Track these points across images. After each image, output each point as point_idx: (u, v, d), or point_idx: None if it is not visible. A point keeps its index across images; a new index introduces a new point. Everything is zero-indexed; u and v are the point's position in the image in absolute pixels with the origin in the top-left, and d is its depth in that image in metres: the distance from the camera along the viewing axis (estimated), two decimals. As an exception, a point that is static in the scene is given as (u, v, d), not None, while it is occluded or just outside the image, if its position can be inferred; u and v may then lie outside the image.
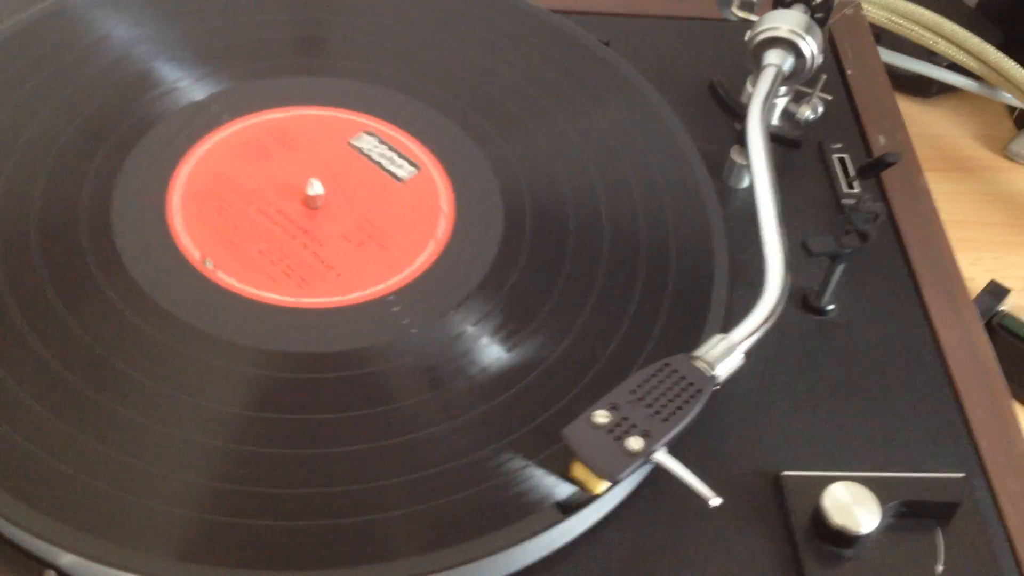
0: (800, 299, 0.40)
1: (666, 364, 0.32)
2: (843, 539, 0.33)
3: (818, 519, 0.33)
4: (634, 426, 0.31)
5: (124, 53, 0.39)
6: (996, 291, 0.52)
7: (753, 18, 0.44)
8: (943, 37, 0.57)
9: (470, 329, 0.35)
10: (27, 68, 0.39)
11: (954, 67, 0.59)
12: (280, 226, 0.37)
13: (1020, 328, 0.50)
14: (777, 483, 0.35)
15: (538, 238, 0.38)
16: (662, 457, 0.31)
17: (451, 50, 0.43)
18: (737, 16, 0.45)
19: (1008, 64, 0.56)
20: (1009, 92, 0.57)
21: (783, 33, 0.42)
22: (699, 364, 0.32)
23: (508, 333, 0.35)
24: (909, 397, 0.38)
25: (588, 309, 0.36)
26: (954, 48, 0.57)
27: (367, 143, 0.40)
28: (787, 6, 0.43)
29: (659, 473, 0.34)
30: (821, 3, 0.44)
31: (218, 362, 0.33)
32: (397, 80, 0.41)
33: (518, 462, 0.32)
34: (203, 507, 0.30)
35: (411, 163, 0.39)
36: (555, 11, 0.47)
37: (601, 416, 0.31)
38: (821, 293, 0.39)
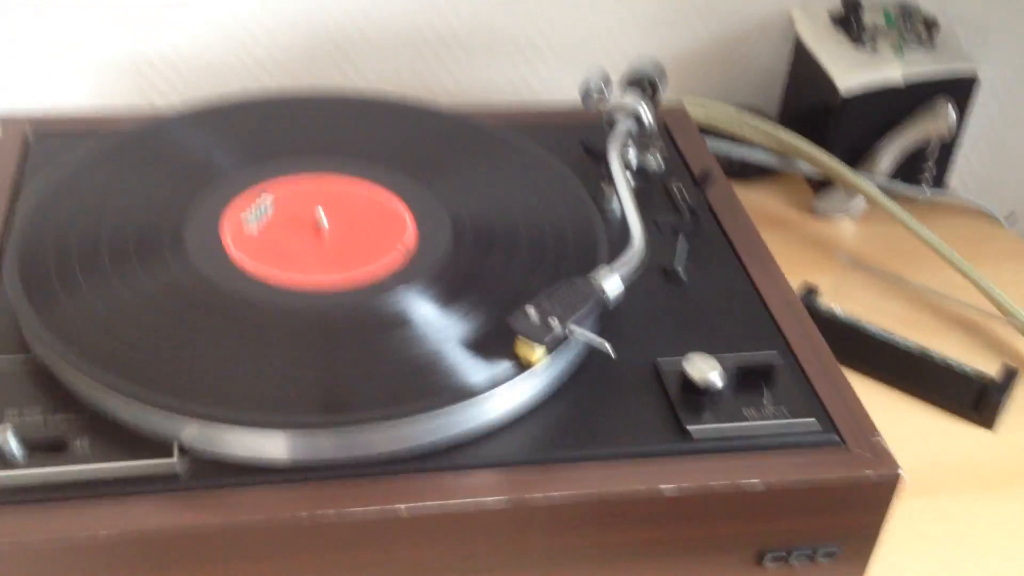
0: (662, 271, 0.56)
1: (570, 281, 0.48)
2: (700, 390, 0.48)
3: (684, 381, 0.48)
4: (551, 314, 0.46)
5: (195, 151, 0.57)
6: (808, 288, 0.69)
7: (608, 104, 0.62)
8: (746, 124, 0.77)
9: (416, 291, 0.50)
10: (141, 158, 0.57)
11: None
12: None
13: (829, 310, 0.67)
14: (655, 368, 0.50)
15: (476, 239, 0.54)
16: (574, 328, 0.46)
17: (417, 144, 0.61)
18: (597, 108, 0.63)
19: (797, 139, 0.75)
20: (802, 160, 0.77)
21: (628, 104, 0.60)
22: (591, 280, 0.48)
23: (457, 294, 0.50)
24: (740, 321, 0.54)
25: (512, 277, 0.52)
26: (756, 132, 0.77)
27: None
28: (628, 86, 0.62)
29: (578, 373, 0.49)
30: (652, 88, 0.62)
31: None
32: (382, 158, 0.59)
33: (475, 353, 0.47)
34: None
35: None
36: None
37: (530, 309, 0.46)
38: (675, 264, 0.56)
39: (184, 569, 0.42)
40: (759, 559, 0.48)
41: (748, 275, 0.57)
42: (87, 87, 0.76)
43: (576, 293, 0.48)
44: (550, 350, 0.46)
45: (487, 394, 0.45)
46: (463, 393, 0.45)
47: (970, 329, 0.69)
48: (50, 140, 0.62)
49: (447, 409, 0.45)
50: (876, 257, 0.75)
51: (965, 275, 0.70)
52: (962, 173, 0.85)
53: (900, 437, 0.49)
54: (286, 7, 0.76)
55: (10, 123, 0.62)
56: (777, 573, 0.49)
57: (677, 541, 0.47)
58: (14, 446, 0.42)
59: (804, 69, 0.82)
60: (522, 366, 0.46)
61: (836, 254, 0.74)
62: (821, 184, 0.80)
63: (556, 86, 0.83)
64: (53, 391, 0.45)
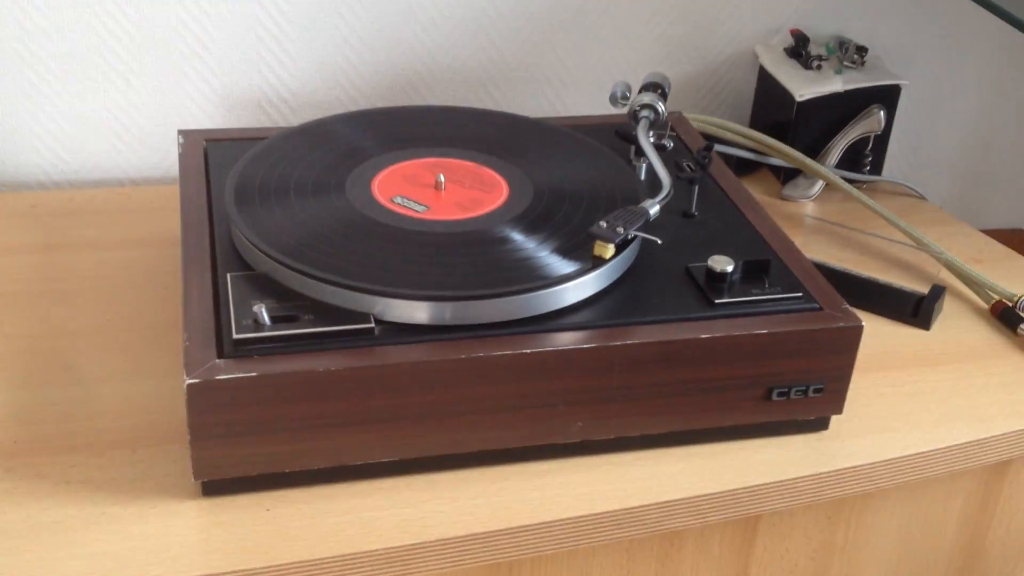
0: (681, 213, 0.75)
1: (627, 208, 0.66)
2: (720, 277, 0.66)
3: (709, 271, 0.67)
4: (618, 225, 0.64)
5: (348, 139, 0.76)
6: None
7: (629, 102, 0.81)
8: (728, 130, 0.97)
9: (516, 224, 0.69)
10: (303, 144, 0.75)
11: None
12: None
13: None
14: (687, 270, 0.68)
15: (551, 195, 0.72)
16: (634, 232, 0.64)
17: (504, 138, 0.79)
18: (621, 104, 0.82)
19: (770, 139, 0.95)
20: (774, 154, 0.96)
21: (647, 101, 0.80)
22: (641, 207, 0.67)
23: (540, 225, 0.69)
24: (739, 241, 0.72)
25: (578, 218, 0.70)
26: (738, 136, 0.96)
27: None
28: (645, 90, 0.81)
29: (627, 276, 0.67)
30: (662, 92, 0.82)
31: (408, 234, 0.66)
32: (480, 147, 0.77)
33: (563, 256, 0.65)
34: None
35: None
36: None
37: (603, 222, 0.64)
38: (690, 207, 0.75)
39: (382, 397, 0.59)
40: (768, 395, 0.66)
41: (741, 212, 0.76)
42: (220, 116, 0.95)
43: (631, 213, 0.66)
44: (618, 249, 0.64)
45: (571, 283, 0.63)
46: (551, 281, 0.63)
47: (904, 265, 0.88)
48: (218, 145, 0.80)
49: (542, 291, 0.62)
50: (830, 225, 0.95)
51: (901, 229, 0.89)
52: (891, 161, 1.05)
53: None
54: (374, 55, 0.95)
55: (189, 135, 0.81)
56: (781, 405, 0.67)
57: (711, 379, 0.65)
58: (265, 316, 0.60)
59: (767, 89, 1.02)
60: (597, 262, 0.64)
61: (804, 218, 0.93)
62: (787, 176, 1.00)
63: (576, 109, 1.03)
64: (278, 291, 0.62)
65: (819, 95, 0.96)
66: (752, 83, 1.05)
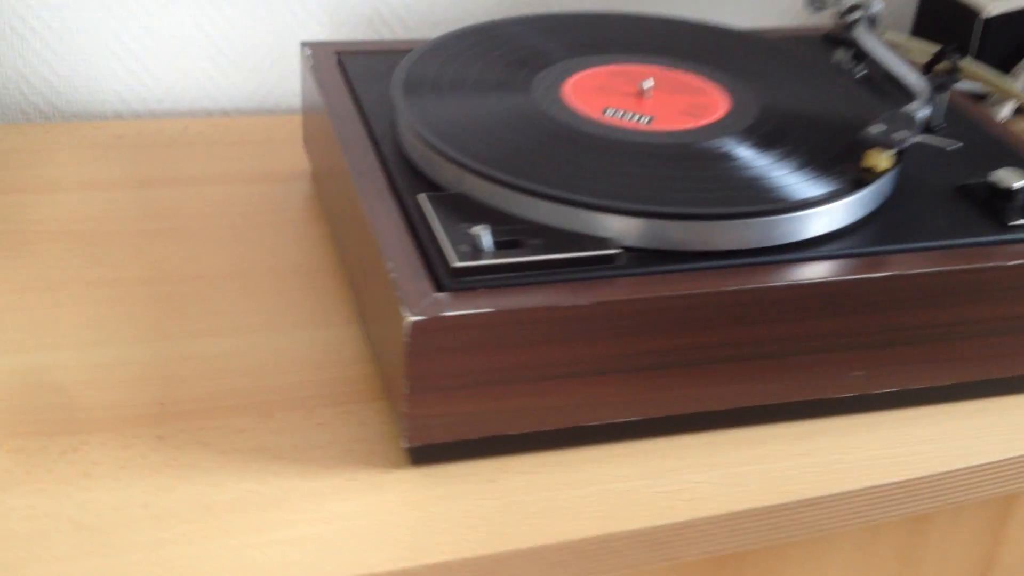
0: (925, 126, 0.64)
1: (892, 111, 0.56)
2: (1007, 195, 0.55)
3: (993, 188, 0.56)
4: (893, 131, 0.54)
5: (528, 43, 0.65)
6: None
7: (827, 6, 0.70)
8: (913, 47, 0.86)
9: (758, 139, 0.58)
10: (477, 46, 0.64)
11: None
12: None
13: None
14: (962, 189, 0.57)
15: (779, 111, 0.61)
16: (919, 138, 0.53)
17: (699, 46, 0.69)
18: (816, 7, 0.71)
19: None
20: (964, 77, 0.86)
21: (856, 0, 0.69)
22: (905, 111, 0.56)
23: (784, 141, 0.58)
24: (1000, 159, 0.61)
25: (824, 133, 0.60)
26: (922, 54, 0.86)
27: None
28: (853, -8, 0.70)
29: (886, 202, 0.57)
30: (870, -8, 0.71)
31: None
32: (680, 56, 0.66)
33: (824, 174, 0.54)
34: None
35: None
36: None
37: (880, 125, 0.54)
38: (936, 118, 0.64)
39: (628, 341, 0.48)
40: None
41: (982, 128, 0.65)
42: (325, 36, 0.83)
43: (899, 118, 0.55)
44: (898, 157, 0.54)
45: (848, 198, 0.53)
46: (824, 198, 0.52)
47: None
48: (353, 59, 0.68)
49: (812, 210, 0.52)
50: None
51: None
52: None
53: None
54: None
55: (317, 47, 0.69)
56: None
57: (1014, 318, 0.54)
58: (488, 240, 0.48)
59: (936, 7, 0.91)
60: (867, 175, 0.54)
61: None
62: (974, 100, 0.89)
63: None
64: (482, 214, 0.51)
65: (1010, 10, 0.86)
66: (912, 2, 0.95)
